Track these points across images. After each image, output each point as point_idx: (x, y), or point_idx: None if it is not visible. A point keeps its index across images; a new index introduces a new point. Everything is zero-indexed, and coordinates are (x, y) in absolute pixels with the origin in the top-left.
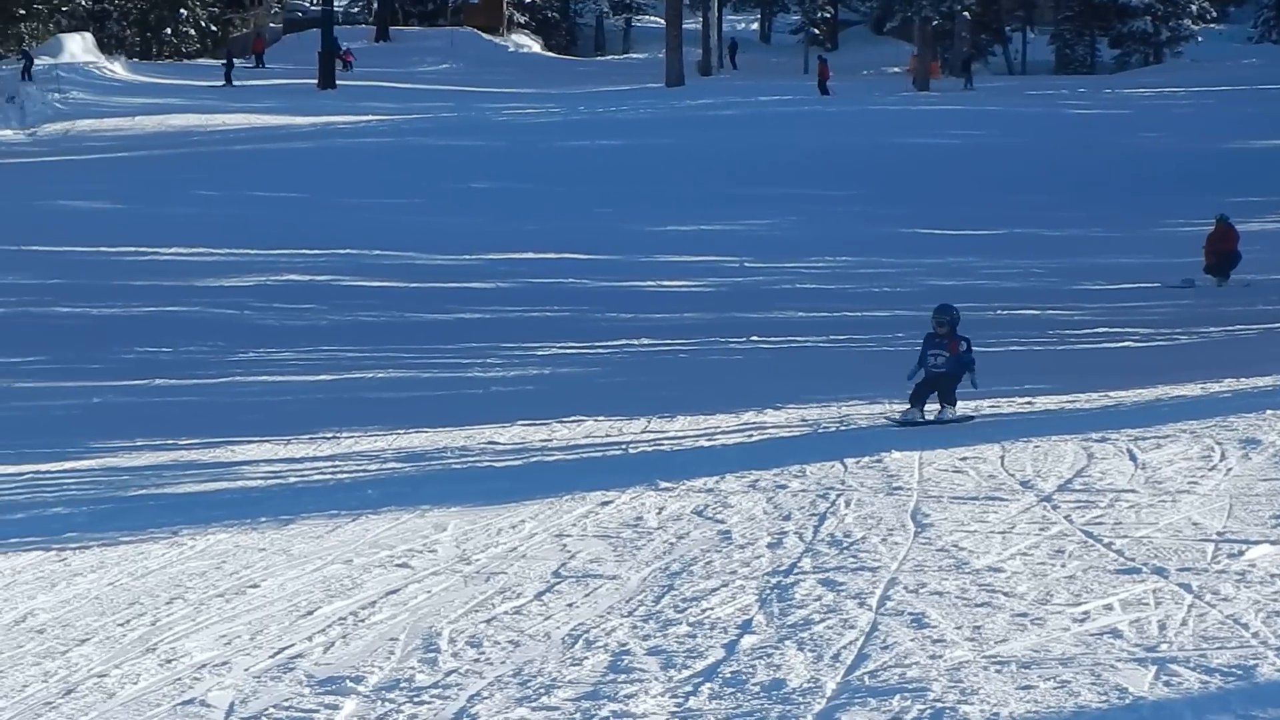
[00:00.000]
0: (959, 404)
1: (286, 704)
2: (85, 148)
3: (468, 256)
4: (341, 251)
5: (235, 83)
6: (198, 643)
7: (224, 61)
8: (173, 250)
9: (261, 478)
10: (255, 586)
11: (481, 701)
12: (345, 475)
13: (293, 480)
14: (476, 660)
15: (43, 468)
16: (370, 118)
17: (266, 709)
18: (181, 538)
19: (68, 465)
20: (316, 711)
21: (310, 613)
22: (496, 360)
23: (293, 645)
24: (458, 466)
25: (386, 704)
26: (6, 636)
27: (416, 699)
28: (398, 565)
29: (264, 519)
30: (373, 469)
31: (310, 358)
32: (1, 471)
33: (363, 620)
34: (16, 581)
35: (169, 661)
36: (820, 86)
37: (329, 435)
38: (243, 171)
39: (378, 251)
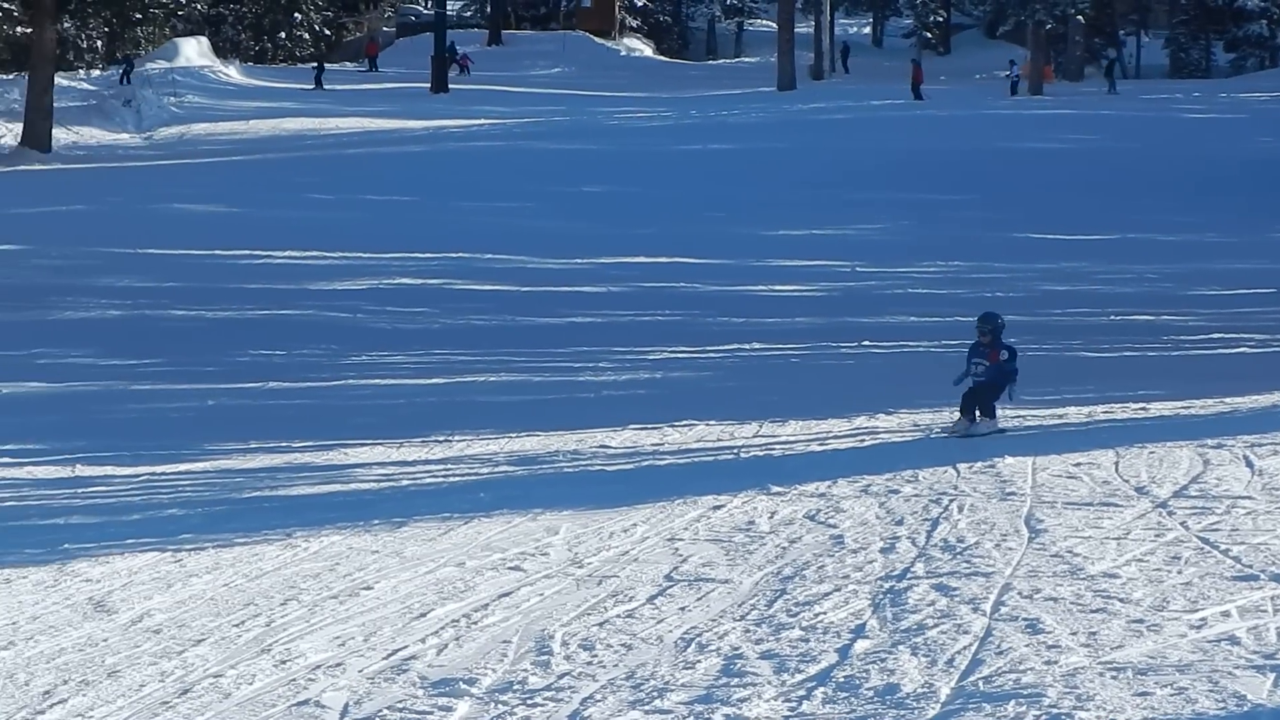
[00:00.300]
0: (999, 416)
1: (400, 705)
2: (200, 151)
3: (579, 260)
4: (453, 255)
5: (325, 86)
6: (312, 644)
7: (315, 65)
8: (286, 254)
9: (374, 480)
10: (369, 588)
11: (594, 704)
12: (457, 478)
13: (405, 483)
14: (589, 663)
15: (158, 469)
16: (482, 121)
17: (380, 710)
18: (296, 540)
19: (183, 467)
20: (430, 713)
21: (423, 615)
22: (608, 364)
23: (406, 647)
24: (569, 470)
25: (499, 706)
26: (124, 636)
27: (529, 701)
28: (510, 568)
29: (377, 521)
30: (485, 472)
31: (422, 361)
32: (117, 473)
33: (475, 623)
34: (133, 582)
35: (284, 662)
36: (914, 91)
37: (441, 438)
38: (355, 175)
39: (489, 255)
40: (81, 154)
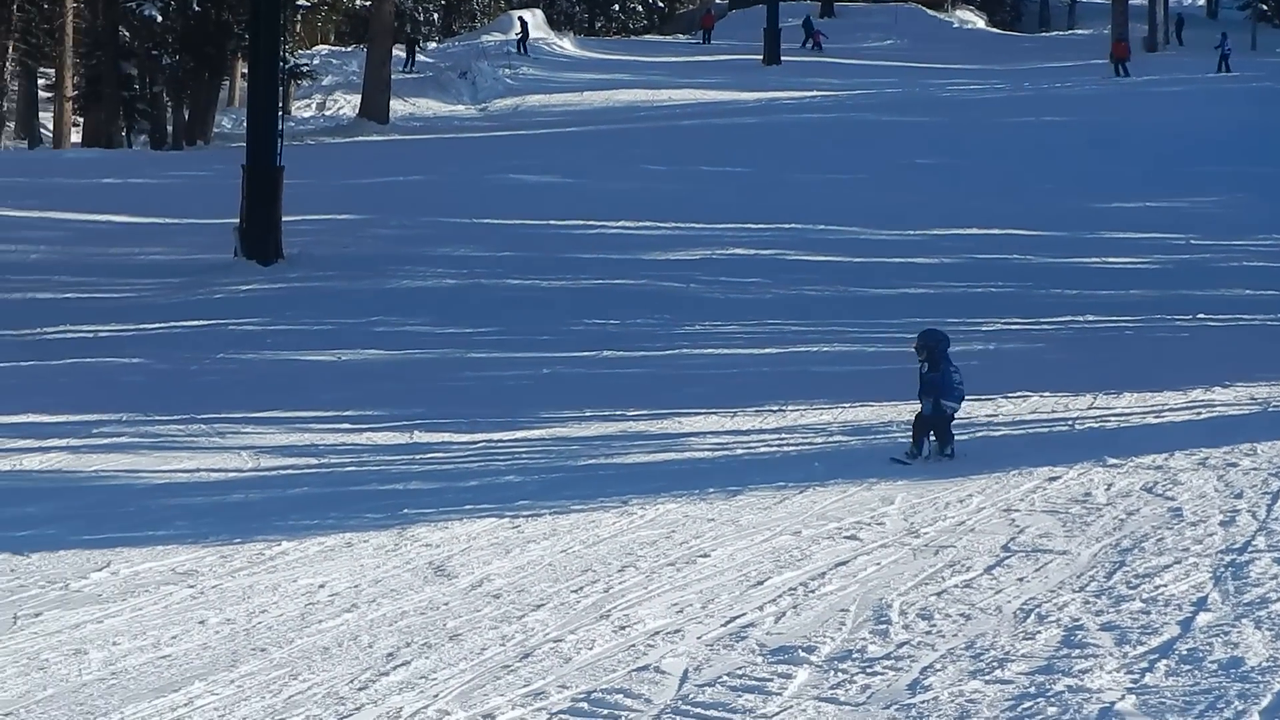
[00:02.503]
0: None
1: (739, 672)
2: (534, 122)
3: (911, 232)
4: (786, 226)
5: (415, 70)
6: (650, 610)
7: (407, 45)
8: (620, 224)
9: (709, 449)
10: (705, 556)
11: (934, 674)
12: (791, 448)
13: (739, 452)
14: (928, 633)
15: (494, 436)
16: (814, 93)
17: (720, 676)
18: (631, 507)
19: (519, 434)
20: (769, 680)
21: (760, 583)
22: None
23: (744, 614)
24: (904, 440)
25: (839, 674)
26: (464, 600)
27: (869, 669)
28: (846, 537)
29: (712, 490)
30: (819, 442)
31: (755, 331)
32: (455, 440)
33: (813, 591)
34: (472, 547)
35: (623, 628)
36: (1116, 67)
37: (775, 408)
38: (688, 146)
39: (822, 226)
40: (418, 125)
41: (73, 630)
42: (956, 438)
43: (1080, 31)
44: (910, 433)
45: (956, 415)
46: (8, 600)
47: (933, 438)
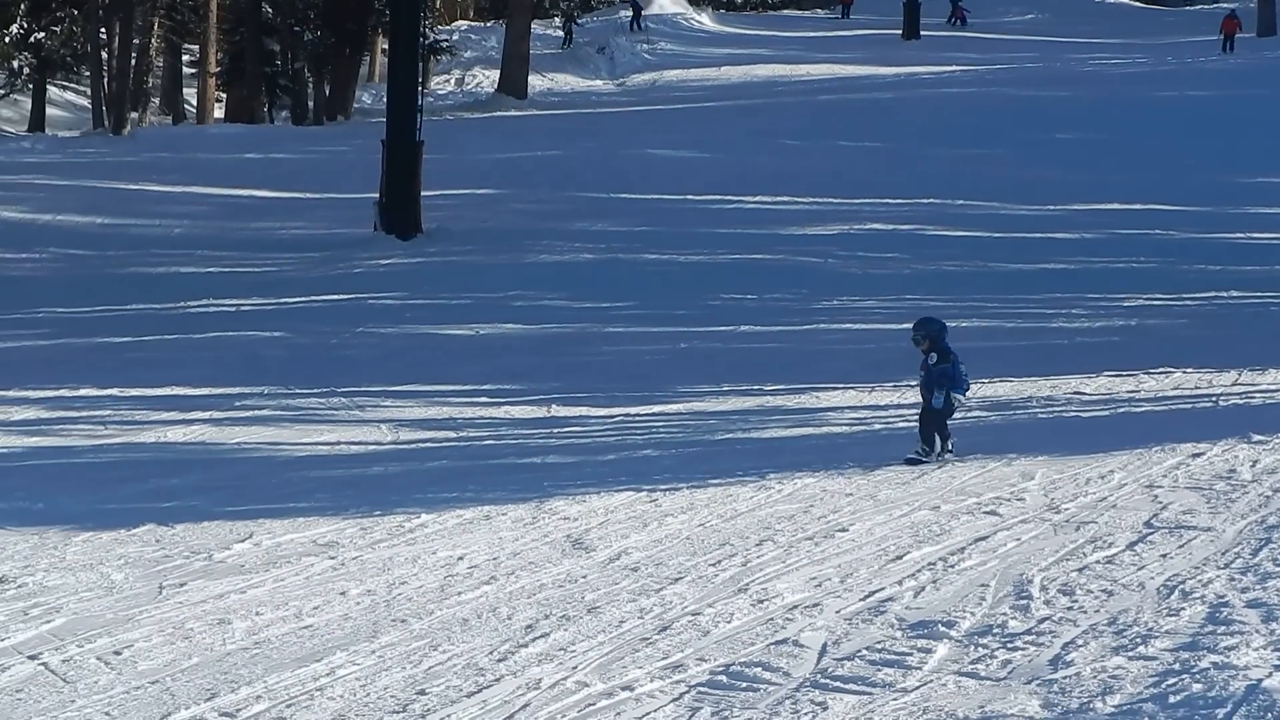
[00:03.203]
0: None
1: (879, 646)
2: (672, 97)
3: (1051, 207)
4: (924, 201)
5: (572, 46)
6: (788, 584)
7: (563, 23)
8: (757, 198)
9: (846, 424)
10: (843, 530)
11: (1076, 649)
12: None
13: (877, 427)
14: (1069, 608)
15: (631, 410)
16: (953, 68)
17: (859, 650)
18: (769, 481)
19: (655, 409)
20: (909, 654)
21: (899, 557)
22: (1081, 310)
23: (883, 589)
24: (1043, 416)
25: (979, 649)
26: (602, 573)
27: (1010, 645)
28: (986, 512)
29: (850, 465)
30: (956, 417)
31: (893, 306)
32: (592, 414)
33: (952, 566)
34: (610, 521)
35: (761, 602)
36: (1225, 43)
37: (913, 383)
38: (826, 121)
39: (961, 201)
40: (556, 100)
41: (216, 600)
42: (1108, 412)
43: (1225, 4)
44: (918, 429)
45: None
46: (153, 570)
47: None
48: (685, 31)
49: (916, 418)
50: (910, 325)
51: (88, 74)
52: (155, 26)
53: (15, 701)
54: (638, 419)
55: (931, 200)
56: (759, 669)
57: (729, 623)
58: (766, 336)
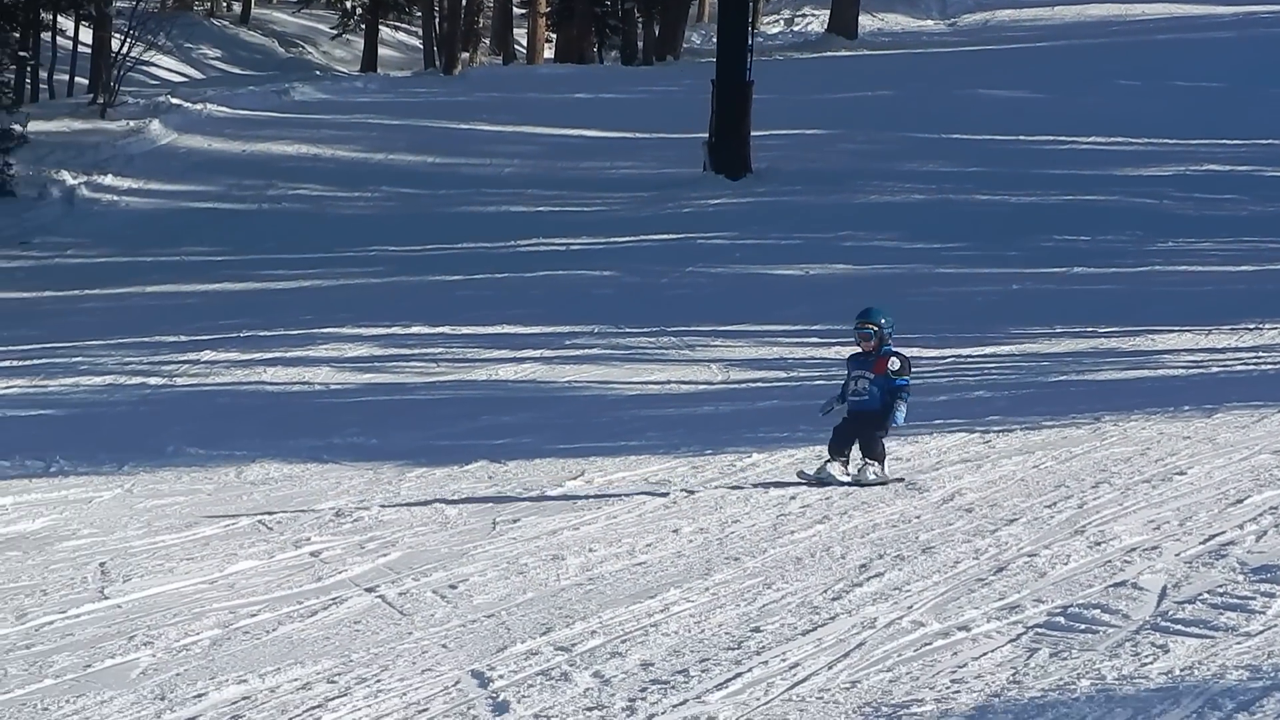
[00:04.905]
0: (888, 459)
1: (1220, 590)
2: (1004, 38)
3: None
4: (1263, 142)
5: None
6: (1126, 526)
7: None
8: (1090, 139)
9: (1182, 367)
10: (1181, 473)
11: None
12: (1269, 366)
13: (1215, 370)
14: None
15: (963, 351)
16: None
17: (1200, 594)
18: (1104, 424)
19: (987, 350)
20: (1251, 599)
21: (1239, 501)
22: None
23: (1223, 532)
24: None
25: None
26: (936, 514)
27: None
28: None
29: (1187, 407)
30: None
31: (1230, 248)
32: (924, 354)
33: None
34: (943, 461)
35: (1097, 544)
36: None
37: (1251, 326)
38: (1162, 61)
39: None
40: (886, 40)
41: (550, 536)
42: None
43: None
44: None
45: None
46: (487, 507)
47: (860, 454)
48: None
49: (838, 432)
50: (860, 313)
51: (419, 14)
52: None
53: (354, 633)
54: (970, 360)
55: (1270, 141)
56: (1097, 611)
57: (1066, 564)
58: (1099, 278)
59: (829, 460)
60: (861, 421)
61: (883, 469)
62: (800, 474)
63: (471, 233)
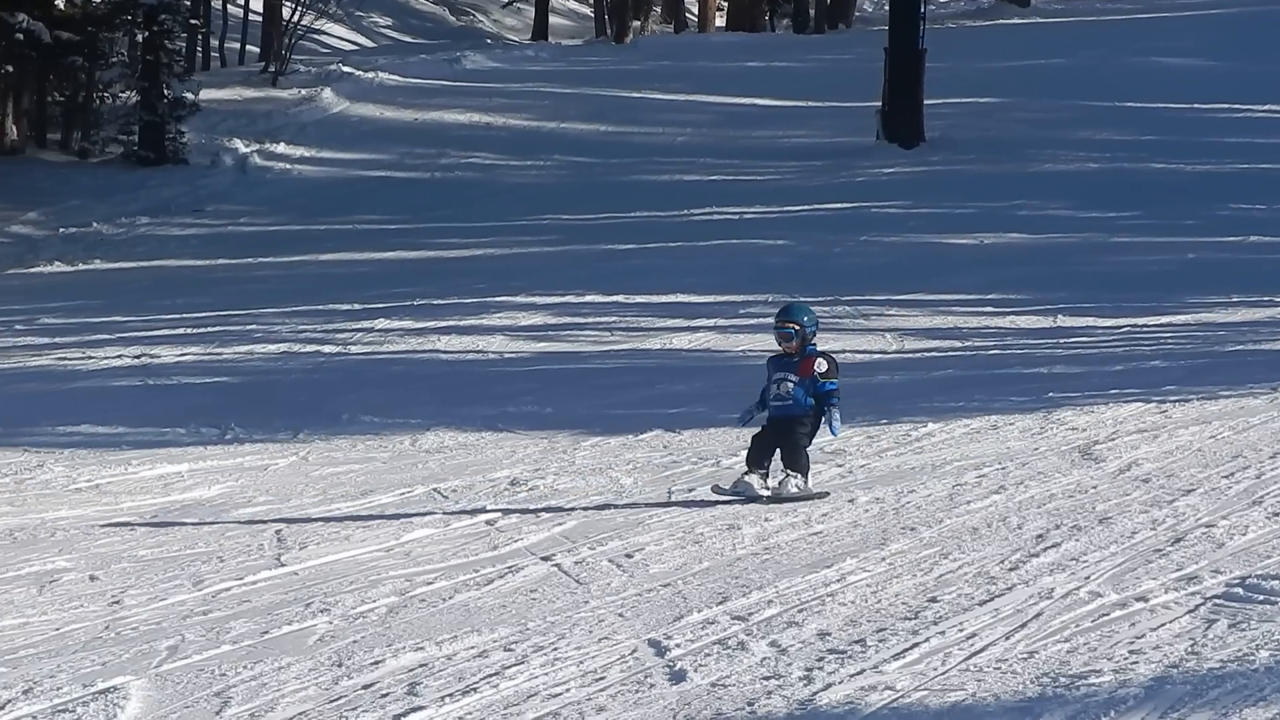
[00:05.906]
0: (812, 472)
1: None
2: (1178, 4)
3: None
4: None
5: None
6: None
7: None
8: (1266, 107)
9: None
10: None
11: None
12: None
13: None
14: None
15: (1139, 321)
16: None
17: None
18: None
19: (1163, 319)
20: None
21: None
22: None
23: None
24: None
25: None
26: (1113, 484)
27: None
28: None
29: None
30: None
31: None
32: (1098, 324)
33: None
34: (1119, 432)
35: (1276, 515)
36: None
37: None
38: None
39: None
40: (1059, 8)
41: (725, 505)
42: None
43: None
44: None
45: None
46: (661, 476)
47: (781, 465)
48: None
49: (757, 441)
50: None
51: None
52: None
53: (530, 601)
54: (1145, 329)
55: None
56: (1276, 582)
57: (1244, 535)
58: (1277, 247)
59: (746, 472)
60: (783, 429)
61: (805, 482)
62: (715, 488)
63: (644, 202)
